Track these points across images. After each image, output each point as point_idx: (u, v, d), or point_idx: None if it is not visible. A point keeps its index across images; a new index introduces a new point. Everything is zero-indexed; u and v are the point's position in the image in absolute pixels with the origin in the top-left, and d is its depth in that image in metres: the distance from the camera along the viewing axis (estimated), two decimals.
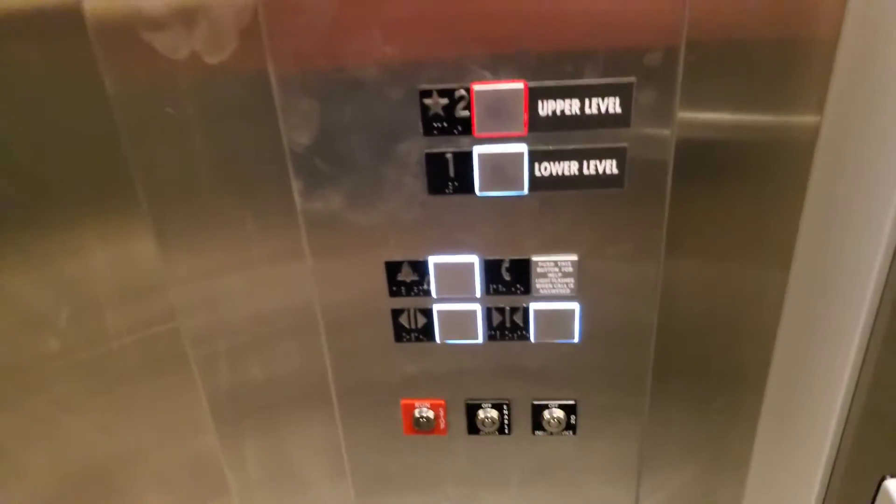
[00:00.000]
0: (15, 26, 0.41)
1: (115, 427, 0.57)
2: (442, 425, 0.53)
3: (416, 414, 0.52)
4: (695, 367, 0.50)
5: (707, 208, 0.44)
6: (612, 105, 0.40)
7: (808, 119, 0.41)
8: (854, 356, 0.43)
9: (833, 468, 0.47)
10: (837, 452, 0.46)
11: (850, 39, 0.39)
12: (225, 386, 0.54)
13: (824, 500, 0.49)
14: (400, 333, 0.49)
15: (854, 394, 0.44)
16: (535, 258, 0.45)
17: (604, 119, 0.40)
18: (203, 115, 0.43)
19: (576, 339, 0.48)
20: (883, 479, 0.45)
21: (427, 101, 0.41)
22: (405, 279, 0.47)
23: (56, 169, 0.46)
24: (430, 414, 0.52)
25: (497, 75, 0.40)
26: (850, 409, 0.45)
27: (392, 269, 0.46)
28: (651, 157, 0.41)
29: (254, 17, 0.40)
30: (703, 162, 0.42)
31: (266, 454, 0.58)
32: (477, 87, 0.40)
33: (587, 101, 0.40)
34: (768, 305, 0.47)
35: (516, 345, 0.49)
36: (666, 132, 0.41)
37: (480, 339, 0.49)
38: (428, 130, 0.41)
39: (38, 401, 0.55)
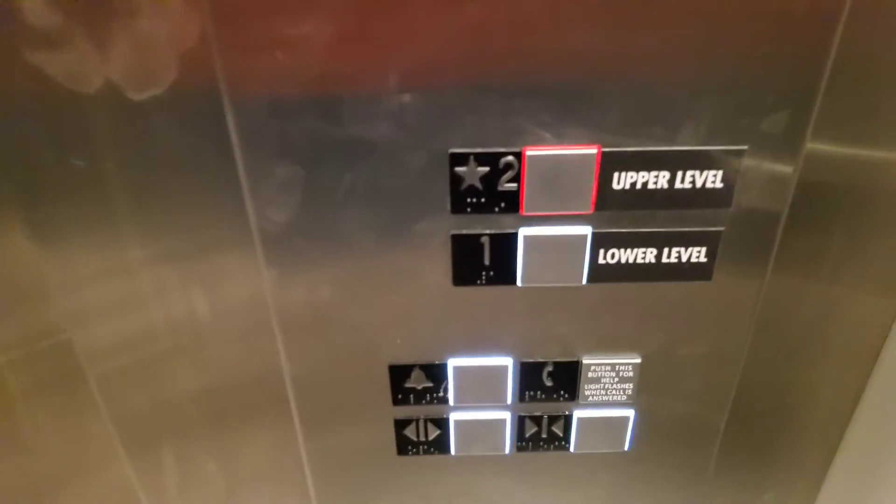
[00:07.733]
0: None
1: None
2: None
3: None
4: (754, 460, 0.42)
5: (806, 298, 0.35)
6: (711, 179, 0.29)
7: None
8: None
9: None
10: None
11: None
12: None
13: None
14: (405, 446, 0.38)
15: None
16: (586, 360, 0.35)
17: (697, 196, 0.30)
18: (126, 172, 0.30)
19: (625, 448, 0.39)
20: None
21: (460, 170, 0.29)
22: (415, 385, 0.36)
23: None
24: None
25: (561, 138, 0.28)
26: None
27: (398, 374, 0.35)
28: (750, 242, 0.31)
29: (202, 38, 0.26)
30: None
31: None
32: (531, 151, 0.28)
33: (679, 173, 0.29)
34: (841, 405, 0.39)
35: (549, 455, 0.39)
36: (777, 208, 0.31)
37: (507, 451, 0.39)
38: (458, 207, 0.30)
39: None
